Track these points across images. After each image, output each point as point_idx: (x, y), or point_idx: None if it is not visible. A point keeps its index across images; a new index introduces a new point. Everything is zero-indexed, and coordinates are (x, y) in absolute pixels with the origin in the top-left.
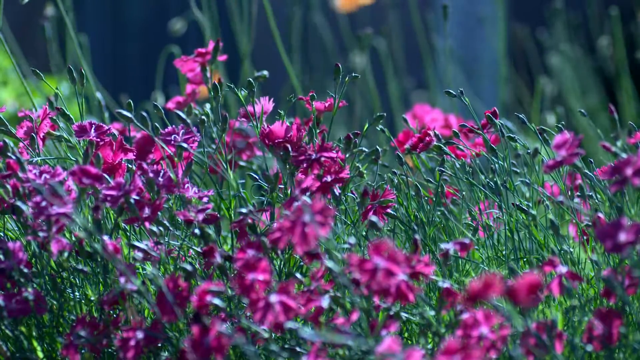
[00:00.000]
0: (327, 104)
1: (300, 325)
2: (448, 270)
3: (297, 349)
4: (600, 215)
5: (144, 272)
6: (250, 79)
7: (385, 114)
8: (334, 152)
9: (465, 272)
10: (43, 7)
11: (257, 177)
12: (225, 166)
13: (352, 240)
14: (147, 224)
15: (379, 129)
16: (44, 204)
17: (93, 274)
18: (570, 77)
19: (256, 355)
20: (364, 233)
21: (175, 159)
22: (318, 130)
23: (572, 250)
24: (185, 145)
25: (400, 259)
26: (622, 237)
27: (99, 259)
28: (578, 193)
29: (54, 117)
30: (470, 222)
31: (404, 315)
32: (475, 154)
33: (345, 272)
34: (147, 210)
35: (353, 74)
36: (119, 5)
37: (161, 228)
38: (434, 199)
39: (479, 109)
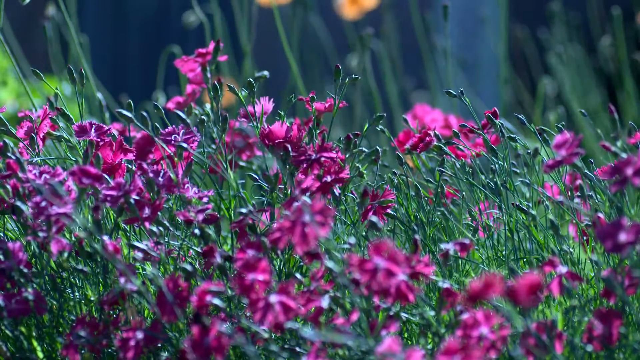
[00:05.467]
0: (327, 105)
1: (300, 326)
2: (448, 270)
3: (297, 349)
4: (600, 215)
5: (144, 272)
6: (251, 79)
7: (385, 114)
8: (334, 152)
9: (465, 272)
10: (44, 7)
11: (257, 177)
12: (225, 166)
13: (352, 240)
14: (147, 224)
15: (379, 129)
16: (44, 204)
17: (93, 274)
18: (571, 77)
19: (256, 356)
20: (364, 233)
21: (175, 159)
22: (318, 131)
23: (572, 250)
24: (185, 145)
25: (400, 259)
26: (622, 237)
27: (99, 259)
28: (578, 193)
29: (54, 117)
30: (470, 223)
31: (404, 315)
32: (475, 154)
33: (345, 272)
34: (147, 210)
35: (353, 75)
36: (120, 5)
37: (161, 228)
38: (434, 199)
39: (479, 109)
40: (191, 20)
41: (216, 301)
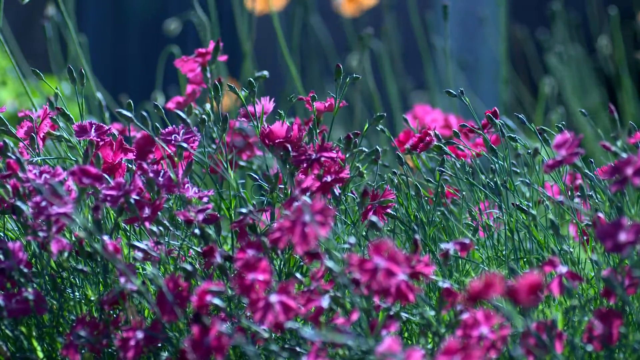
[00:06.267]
0: (327, 104)
1: (300, 325)
2: (448, 270)
3: (297, 349)
4: (600, 215)
5: (144, 272)
6: (251, 79)
7: (385, 114)
8: (334, 152)
9: (465, 272)
10: (44, 7)
11: (257, 177)
12: (226, 166)
13: (352, 240)
14: (147, 224)
15: (379, 129)
16: (44, 204)
17: (93, 274)
18: (570, 77)
19: (256, 355)
20: (364, 233)
21: (176, 158)
22: (318, 130)
23: (572, 250)
24: (185, 145)
25: (400, 259)
26: (622, 237)
27: (99, 259)
28: (578, 193)
29: (54, 117)
30: (470, 222)
31: (404, 315)
32: (475, 154)
33: (345, 272)
34: (147, 210)
35: (354, 75)
36: (120, 5)
37: (161, 228)
38: (434, 199)
39: (479, 109)
40: (173, 28)
41: (216, 301)
